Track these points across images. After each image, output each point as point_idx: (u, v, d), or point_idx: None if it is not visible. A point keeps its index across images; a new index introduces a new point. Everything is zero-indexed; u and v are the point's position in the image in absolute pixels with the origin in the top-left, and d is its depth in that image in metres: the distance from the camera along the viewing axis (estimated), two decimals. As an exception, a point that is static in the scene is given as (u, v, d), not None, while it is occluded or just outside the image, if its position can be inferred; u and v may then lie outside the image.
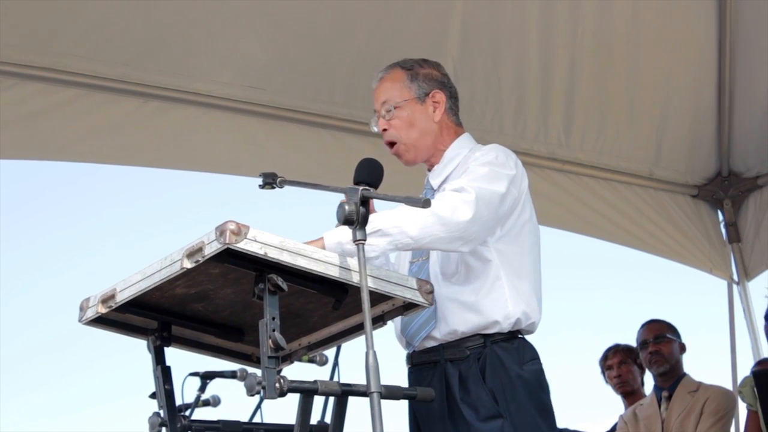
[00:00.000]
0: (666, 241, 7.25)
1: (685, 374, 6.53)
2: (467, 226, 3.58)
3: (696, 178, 7.24)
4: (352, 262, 3.19)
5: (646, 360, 6.56)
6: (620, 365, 7.03)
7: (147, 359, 3.50)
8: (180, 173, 6.48)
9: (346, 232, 3.28)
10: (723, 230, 7.37)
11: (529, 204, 3.95)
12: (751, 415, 5.83)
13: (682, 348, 6.59)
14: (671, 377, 6.49)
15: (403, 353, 4.02)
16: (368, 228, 3.28)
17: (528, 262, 3.89)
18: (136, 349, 3.53)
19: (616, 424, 6.97)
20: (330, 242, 3.39)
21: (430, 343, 3.84)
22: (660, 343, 6.51)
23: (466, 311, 3.76)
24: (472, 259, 3.80)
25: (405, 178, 4.55)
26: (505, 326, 3.76)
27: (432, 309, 3.75)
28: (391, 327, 3.98)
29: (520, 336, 3.83)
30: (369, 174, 3.67)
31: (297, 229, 3.45)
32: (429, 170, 4.09)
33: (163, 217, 14.41)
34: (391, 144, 4.00)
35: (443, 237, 3.55)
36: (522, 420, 3.68)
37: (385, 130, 3.98)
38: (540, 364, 3.85)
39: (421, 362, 3.88)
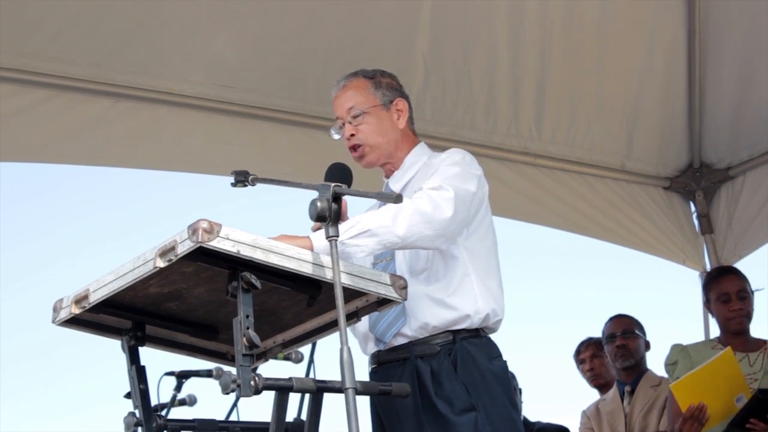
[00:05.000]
0: (639, 234, 7.27)
1: (647, 369, 6.56)
2: (449, 224, 3.67)
3: (668, 170, 7.26)
4: (326, 259, 3.20)
5: (612, 353, 6.58)
6: (593, 358, 7.07)
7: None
8: (155, 175, 6.49)
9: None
10: (695, 222, 7.39)
11: (488, 205, 4.04)
12: None
13: (647, 345, 6.63)
14: (634, 372, 6.52)
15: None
16: (356, 229, 3.45)
17: (494, 261, 4.00)
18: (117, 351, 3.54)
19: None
20: (319, 244, 3.36)
21: (400, 341, 3.88)
22: (628, 338, 6.54)
23: (437, 306, 3.83)
24: (442, 256, 3.87)
25: (364, 183, 4.56)
26: (475, 321, 3.84)
27: (400, 307, 3.81)
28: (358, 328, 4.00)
29: (484, 334, 3.90)
30: (341, 179, 3.69)
31: (271, 229, 3.45)
32: (386, 177, 4.18)
33: (144, 221, 14.38)
34: (355, 147, 4.06)
35: (428, 235, 3.62)
36: (495, 412, 3.75)
37: (352, 135, 4.04)
38: (504, 361, 3.93)
39: (388, 360, 3.91)
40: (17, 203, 13.99)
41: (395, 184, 4.10)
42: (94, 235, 14.58)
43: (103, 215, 14.36)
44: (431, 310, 3.82)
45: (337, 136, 4.10)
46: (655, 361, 6.61)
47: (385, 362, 3.92)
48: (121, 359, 3.49)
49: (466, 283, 3.85)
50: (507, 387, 3.87)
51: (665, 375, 6.28)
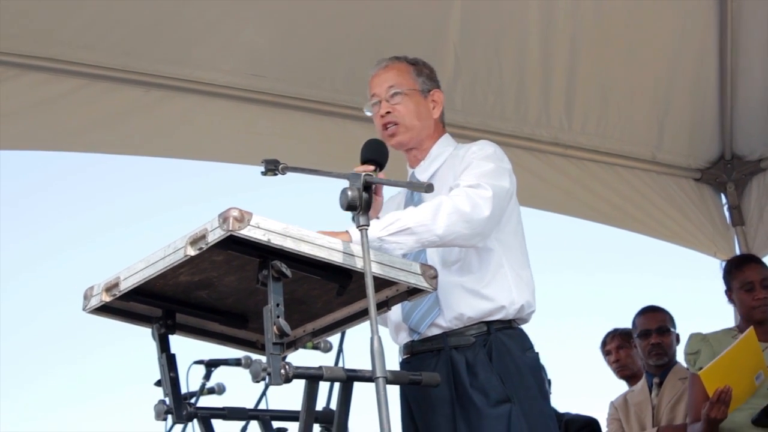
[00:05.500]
0: (669, 225, 7.24)
1: (676, 362, 6.51)
2: (486, 223, 3.68)
3: (699, 161, 7.23)
4: (356, 248, 3.20)
5: (645, 350, 6.49)
6: (618, 350, 7.04)
7: (151, 346, 3.51)
8: (183, 162, 6.50)
9: (373, 227, 3.34)
10: (726, 213, 7.36)
11: (516, 198, 4.04)
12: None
13: (677, 339, 6.57)
14: (664, 365, 6.47)
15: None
16: (396, 226, 3.47)
17: (525, 252, 4.02)
18: (142, 337, 3.55)
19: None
20: (357, 236, 3.36)
21: (434, 331, 3.88)
22: (662, 335, 6.46)
23: (473, 297, 3.83)
24: (476, 248, 3.83)
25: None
26: (510, 312, 3.84)
27: (434, 297, 3.81)
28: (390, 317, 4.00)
29: (516, 326, 3.90)
30: (377, 153, 3.74)
31: (300, 216, 3.46)
32: (410, 166, 4.19)
33: (167, 207, 14.44)
34: (388, 125, 4.06)
35: (466, 234, 3.64)
36: (529, 404, 3.75)
37: (388, 112, 4.04)
38: (537, 353, 3.94)
39: (422, 350, 3.91)
40: (33, 192, 14.08)
41: (421, 174, 4.10)
42: (103, 224, 14.65)
43: (123, 203, 14.41)
44: (467, 301, 3.83)
45: (369, 113, 4.12)
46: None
47: (418, 352, 3.92)
48: (141, 343, 3.50)
49: (500, 274, 3.86)
50: (540, 379, 3.88)
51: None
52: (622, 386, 7.04)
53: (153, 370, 3.52)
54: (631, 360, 6.99)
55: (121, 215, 14.42)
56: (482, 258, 3.86)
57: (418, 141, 4.10)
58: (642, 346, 6.55)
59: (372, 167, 3.68)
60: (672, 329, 6.52)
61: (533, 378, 3.82)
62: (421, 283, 3.37)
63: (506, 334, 3.83)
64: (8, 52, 5.52)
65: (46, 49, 5.59)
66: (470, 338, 3.81)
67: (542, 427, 3.79)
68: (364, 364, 3.10)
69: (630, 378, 6.99)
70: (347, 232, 3.40)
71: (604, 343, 7.19)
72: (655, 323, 6.52)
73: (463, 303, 3.83)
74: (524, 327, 3.96)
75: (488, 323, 3.82)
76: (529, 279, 3.96)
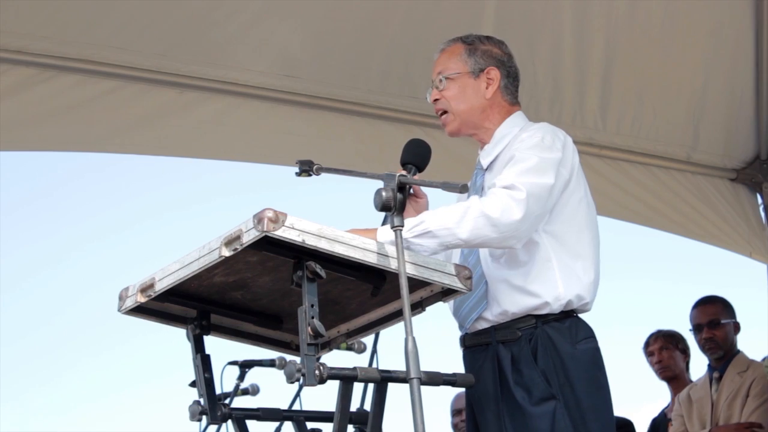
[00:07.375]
0: (704, 226, 7.20)
1: (738, 352, 6.41)
2: (518, 226, 3.57)
3: (734, 161, 7.18)
4: (391, 249, 3.19)
5: (701, 345, 6.44)
6: (661, 351, 7.00)
7: (166, 345, 3.53)
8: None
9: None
10: (762, 214, 7.31)
11: (582, 181, 3.95)
12: None
13: (737, 328, 6.44)
14: (724, 357, 6.39)
15: (451, 338, 4.05)
16: (419, 229, 3.44)
17: (586, 240, 3.88)
18: (155, 334, 3.56)
19: (663, 410, 6.96)
20: (383, 238, 3.36)
21: (482, 325, 3.84)
22: (714, 328, 6.38)
23: (517, 293, 3.76)
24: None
25: (459, 162, 4.52)
26: (556, 307, 3.75)
27: (483, 290, 3.79)
28: (430, 313, 3.99)
29: (573, 315, 3.81)
30: (416, 155, 3.74)
31: (334, 217, 3.46)
32: (481, 149, 4.09)
33: (194, 202, 14.44)
34: (439, 114, 4.03)
35: (495, 238, 3.55)
36: (576, 400, 3.67)
37: (437, 99, 4.00)
38: (595, 342, 3.83)
39: (473, 344, 3.88)
40: (58, 189, 14.13)
41: (485, 158, 4.01)
42: (129, 219, 14.70)
43: (146, 198, 14.44)
44: (511, 297, 3.77)
45: (428, 99, 4.07)
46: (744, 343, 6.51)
47: (470, 346, 3.89)
48: (155, 339, 3.52)
49: (546, 268, 3.76)
50: (593, 370, 3.76)
51: (756, 358, 6.23)
52: (661, 390, 7.02)
53: (165, 368, 3.54)
54: (674, 361, 6.96)
55: (135, 215, 14.46)
56: (530, 251, 3.77)
57: (472, 125, 4.02)
58: (697, 341, 6.49)
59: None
60: (725, 321, 6.40)
61: (585, 371, 3.72)
62: (455, 283, 3.36)
63: (554, 327, 3.74)
64: (43, 53, 5.54)
65: (81, 50, 5.61)
66: (517, 332, 3.75)
67: (594, 422, 3.69)
68: (398, 365, 3.10)
69: (671, 379, 6.97)
70: (376, 229, 3.40)
71: (647, 344, 7.15)
72: (705, 317, 6.45)
73: (508, 299, 3.77)
74: (584, 316, 3.85)
75: (536, 316, 3.75)
76: (581, 271, 3.81)
